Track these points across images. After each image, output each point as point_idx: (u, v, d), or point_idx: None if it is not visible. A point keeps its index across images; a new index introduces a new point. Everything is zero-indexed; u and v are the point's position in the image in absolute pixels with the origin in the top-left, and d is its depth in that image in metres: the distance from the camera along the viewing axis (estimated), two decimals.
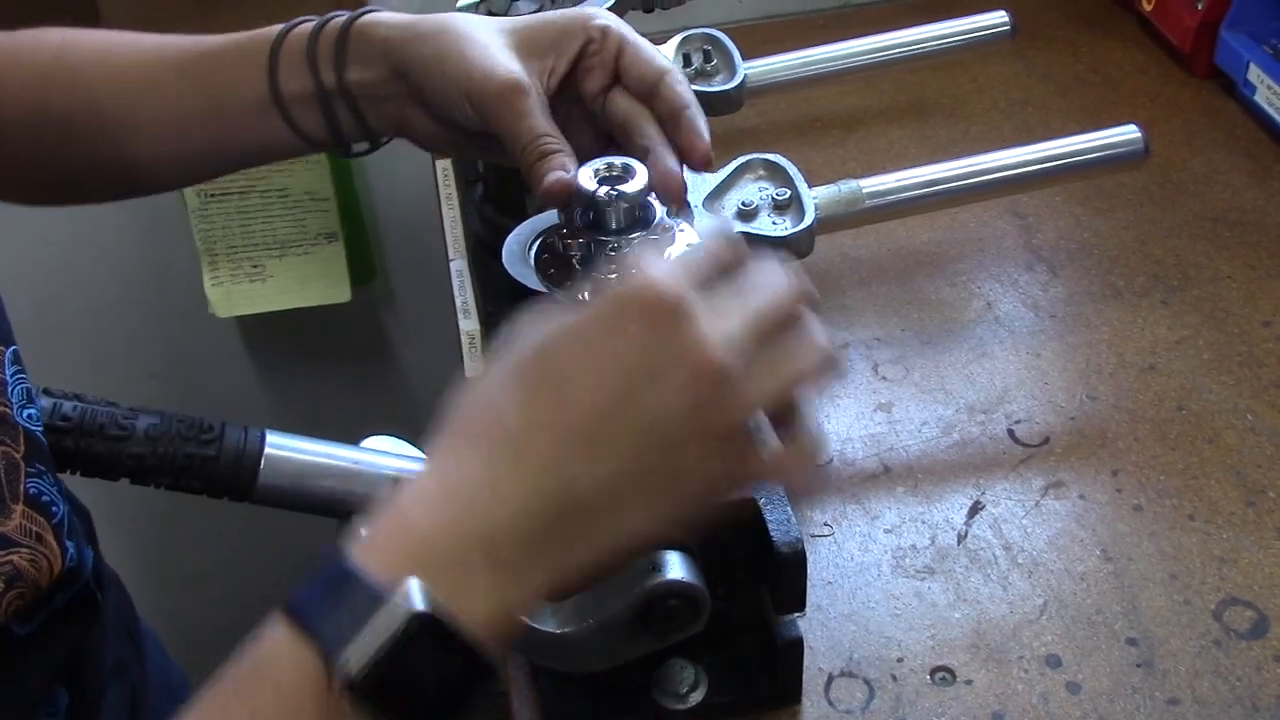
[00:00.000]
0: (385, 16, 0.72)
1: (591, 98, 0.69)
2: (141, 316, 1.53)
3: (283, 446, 0.64)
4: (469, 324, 0.98)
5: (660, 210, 0.60)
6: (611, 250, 0.58)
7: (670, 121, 0.67)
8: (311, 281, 1.46)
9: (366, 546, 0.44)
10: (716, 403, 0.45)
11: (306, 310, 1.47)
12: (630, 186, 0.58)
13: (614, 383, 0.44)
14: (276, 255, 1.44)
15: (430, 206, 1.17)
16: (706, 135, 0.67)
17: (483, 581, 0.44)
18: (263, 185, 1.40)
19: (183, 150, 0.76)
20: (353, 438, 1.66)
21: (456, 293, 1.01)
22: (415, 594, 0.42)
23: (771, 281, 0.49)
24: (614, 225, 0.58)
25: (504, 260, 0.81)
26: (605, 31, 0.68)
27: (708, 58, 0.96)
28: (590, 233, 0.59)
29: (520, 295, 0.78)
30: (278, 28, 0.74)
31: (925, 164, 0.86)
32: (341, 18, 0.72)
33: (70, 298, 1.50)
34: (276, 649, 0.44)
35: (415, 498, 0.45)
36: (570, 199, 0.63)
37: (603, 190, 0.59)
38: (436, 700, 0.44)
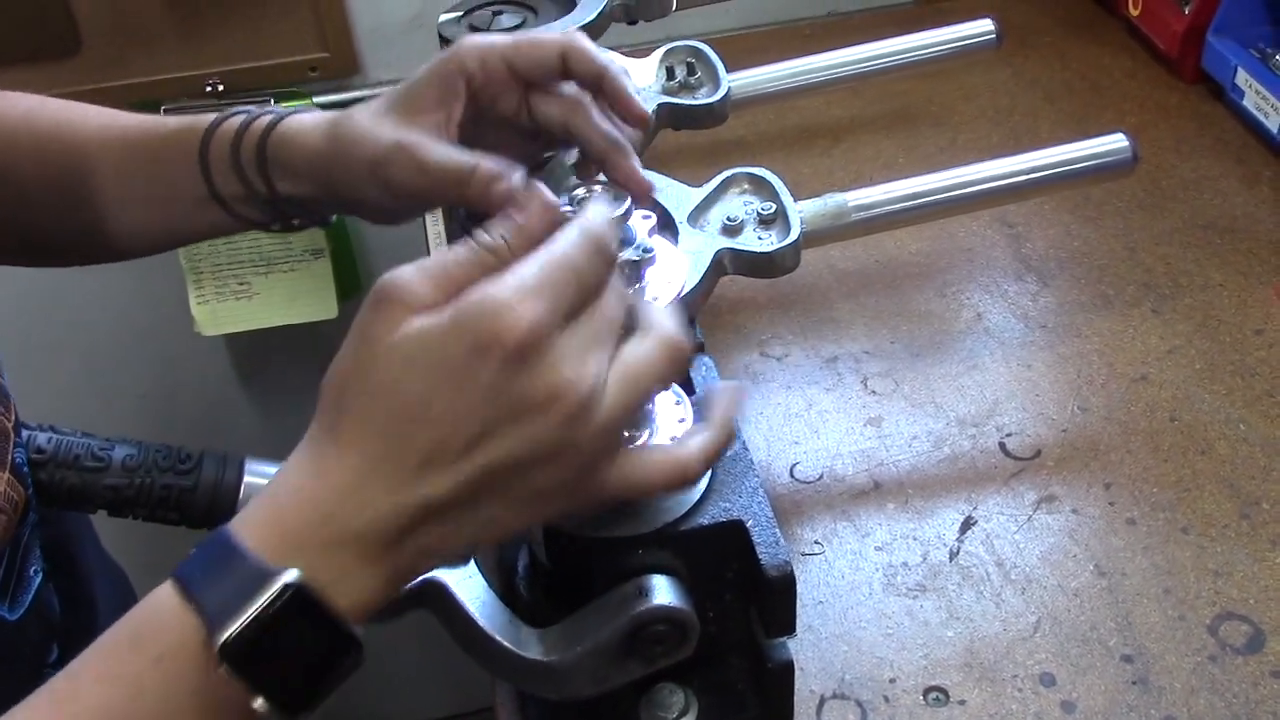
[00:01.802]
0: (294, 130, 0.71)
1: (515, 116, 0.68)
2: (127, 335, 1.52)
3: (263, 474, 0.64)
4: None
5: (637, 232, 0.59)
6: None
7: (595, 93, 0.67)
8: (298, 298, 1.45)
9: (248, 529, 0.48)
10: (571, 434, 0.48)
11: (293, 326, 1.46)
12: (611, 212, 0.57)
13: (471, 415, 0.47)
14: (262, 272, 1.44)
15: (416, 220, 1.16)
16: (632, 92, 0.66)
17: (351, 571, 0.48)
18: None
19: (137, 228, 0.77)
20: None
21: None
22: (291, 575, 0.46)
23: (621, 290, 0.51)
24: None
25: None
26: (481, 59, 0.66)
27: (691, 70, 0.95)
28: None
29: None
30: (205, 123, 0.73)
31: (913, 174, 0.85)
32: (261, 123, 0.71)
33: (55, 318, 1.49)
34: (161, 618, 0.47)
35: (291, 490, 0.48)
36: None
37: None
38: (306, 675, 0.48)
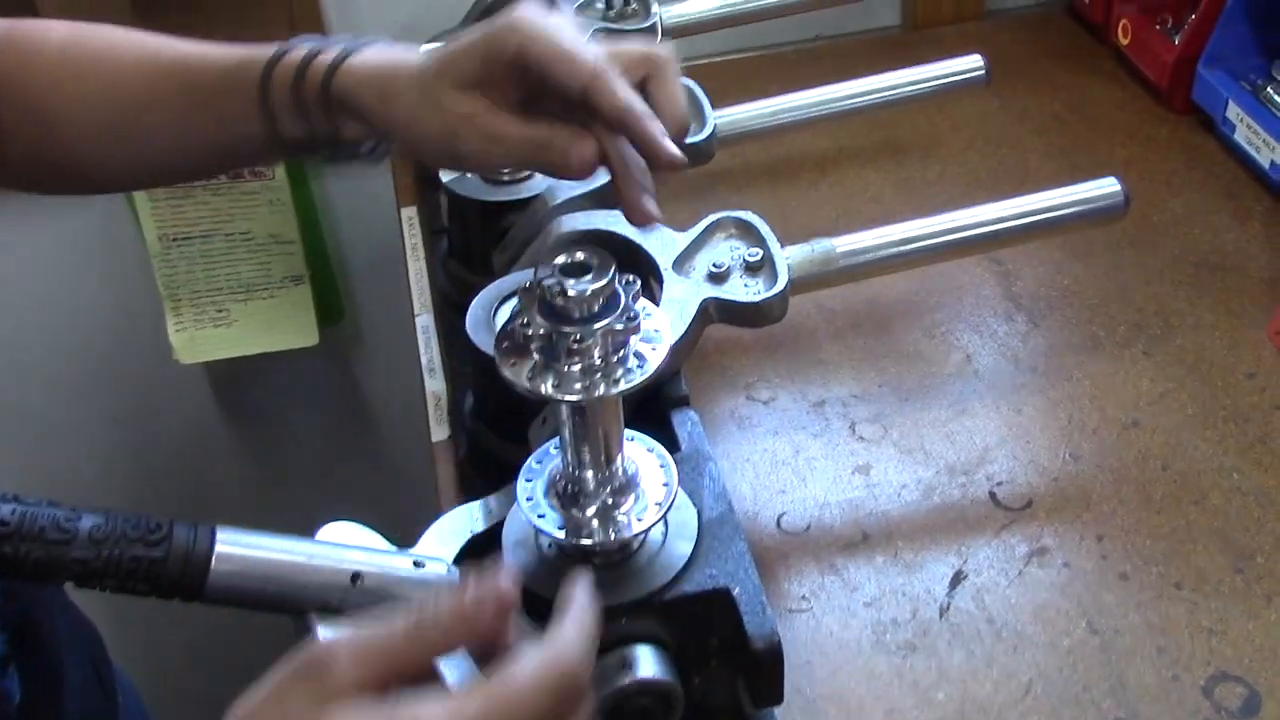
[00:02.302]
0: (356, 80, 0.68)
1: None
2: (104, 362, 1.50)
3: (235, 543, 0.62)
4: (435, 384, 0.95)
5: (625, 296, 0.57)
6: (574, 342, 0.56)
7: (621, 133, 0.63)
8: (278, 325, 1.43)
9: None
10: None
11: (273, 354, 1.44)
12: (595, 282, 0.56)
13: None
14: (241, 299, 1.42)
15: (398, 247, 1.14)
16: (657, 136, 0.62)
17: None
18: (226, 228, 1.38)
19: (191, 161, 0.76)
20: (324, 486, 1.64)
21: (422, 350, 0.99)
22: None
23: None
24: (576, 316, 0.56)
25: (468, 327, 0.79)
26: (519, 55, 0.63)
27: None
28: (552, 322, 0.56)
29: (484, 361, 0.75)
30: (262, 60, 0.69)
31: (901, 209, 0.84)
32: (321, 65, 0.68)
33: (31, 344, 1.46)
34: None
35: None
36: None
37: (569, 288, 0.56)
38: None
